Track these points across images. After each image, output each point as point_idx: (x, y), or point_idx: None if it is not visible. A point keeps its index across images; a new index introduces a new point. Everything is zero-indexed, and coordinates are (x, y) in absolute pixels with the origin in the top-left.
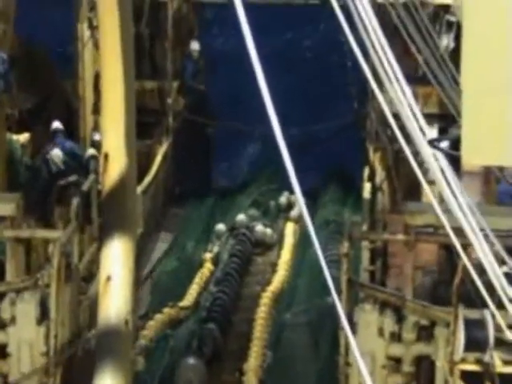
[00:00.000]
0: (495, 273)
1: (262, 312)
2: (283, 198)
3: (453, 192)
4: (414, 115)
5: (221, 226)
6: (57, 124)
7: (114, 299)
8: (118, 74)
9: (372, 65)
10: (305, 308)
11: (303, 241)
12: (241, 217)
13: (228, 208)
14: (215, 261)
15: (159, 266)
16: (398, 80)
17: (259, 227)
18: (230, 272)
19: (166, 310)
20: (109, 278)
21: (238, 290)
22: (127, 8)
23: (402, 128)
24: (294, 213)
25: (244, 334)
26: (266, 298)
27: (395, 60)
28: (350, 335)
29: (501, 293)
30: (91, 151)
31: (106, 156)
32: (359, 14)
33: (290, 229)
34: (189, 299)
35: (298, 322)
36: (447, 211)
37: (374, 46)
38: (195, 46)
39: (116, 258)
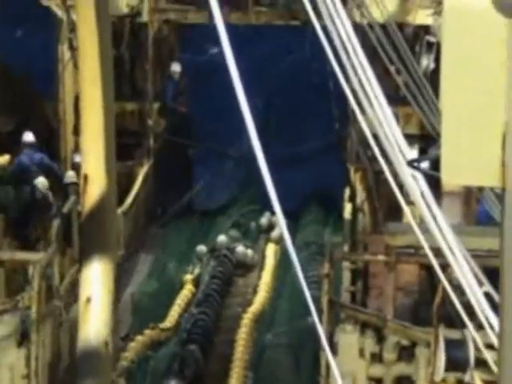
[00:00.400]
0: (474, 294)
1: (243, 333)
2: (264, 219)
3: (432, 213)
4: (394, 136)
5: (202, 248)
6: (27, 136)
7: (94, 321)
8: (97, 95)
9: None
10: (286, 329)
11: (284, 262)
12: (222, 238)
13: (209, 229)
14: (196, 282)
15: (140, 287)
16: (377, 101)
17: (240, 248)
18: (211, 293)
19: (147, 331)
20: (88, 300)
21: (219, 311)
22: (107, 29)
23: (383, 148)
24: (274, 234)
25: (225, 356)
26: (247, 319)
27: (376, 80)
28: (330, 356)
29: (480, 314)
30: (71, 176)
31: (86, 178)
32: (339, 35)
33: (270, 250)
34: (170, 321)
35: (280, 342)
36: (427, 232)
37: (353, 67)
38: (176, 67)
39: (95, 280)
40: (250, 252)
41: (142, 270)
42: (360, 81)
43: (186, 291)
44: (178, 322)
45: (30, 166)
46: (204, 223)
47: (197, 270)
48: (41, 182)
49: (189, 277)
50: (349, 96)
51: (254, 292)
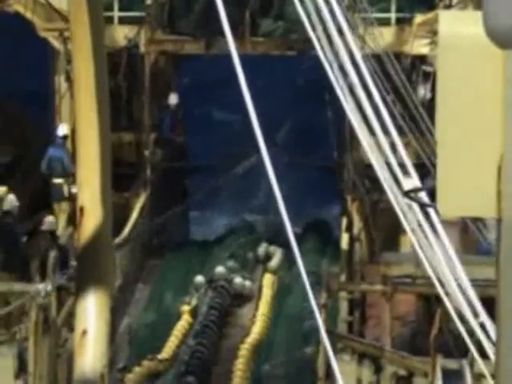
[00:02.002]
0: (471, 323)
1: (240, 364)
2: (261, 249)
3: (430, 243)
4: (392, 166)
5: (199, 278)
6: (59, 129)
7: (90, 353)
8: (93, 128)
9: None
10: (283, 360)
11: (281, 292)
12: (220, 269)
13: (206, 260)
14: (193, 313)
15: (138, 318)
16: (387, 131)
17: (238, 279)
18: (209, 325)
19: (145, 362)
20: (84, 332)
21: (217, 342)
22: (102, 61)
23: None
24: (272, 263)
25: None
26: (244, 349)
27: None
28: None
29: (478, 342)
30: (49, 222)
31: (82, 210)
32: (342, 64)
33: (268, 280)
34: (167, 352)
35: (277, 373)
36: (428, 261)
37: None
38: (174, 99)
39: (91, 312)
40: (247, 283)
41: (140, 301)
42: (362, 109)
43: (184, 322)
44: (176, 352)
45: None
46: (201, 254)
47: (194, 301)
48: (10, 199)
49: (186, 307)
50: (354, 123)
51: (252, 322)
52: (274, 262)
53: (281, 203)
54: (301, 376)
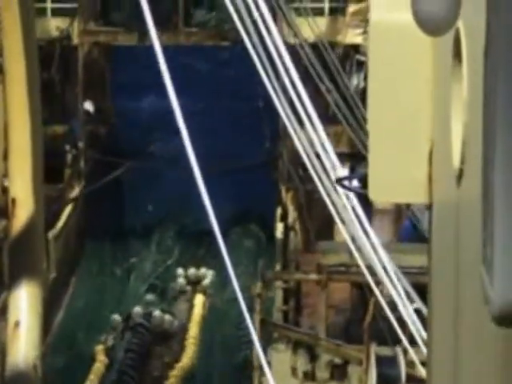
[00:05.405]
0: (406, 309)
1: None
2: (181, 279)
3: (364, 231)
4: (326, 155)
5: (116, 317)
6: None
7: (22, 345)
8: (24, 119)
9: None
10: None
11: (213, 315)
12: (137, 309)
13: (123, 295)
14: (109, 353)
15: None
16: (310, 120)
17: (157, 313)
18: (127, 371)
19: None
20: (17, 324)
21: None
22: (34, 53)
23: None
24: (204, 283)
25: None
26: (173, 377)
27: (307, 98)
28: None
29: (412, 329)
30: None
31: (14, 201)
32: (270, 54)
33: (199, 300)
34: None
35: None
36: (359, 250)
37: (284, 85)
38: (89, 106)
39: (24, 304)
40: (167, 317)
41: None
42: (291, 99)
43: (99, 364)
44: None
45: None
46: (117, 287)
47: (110, 341)
48: None
49: (101, 347)
50: (281, 114)
51: (182, 347)
52: (207, 281)
53: (211, 213)
54: None
